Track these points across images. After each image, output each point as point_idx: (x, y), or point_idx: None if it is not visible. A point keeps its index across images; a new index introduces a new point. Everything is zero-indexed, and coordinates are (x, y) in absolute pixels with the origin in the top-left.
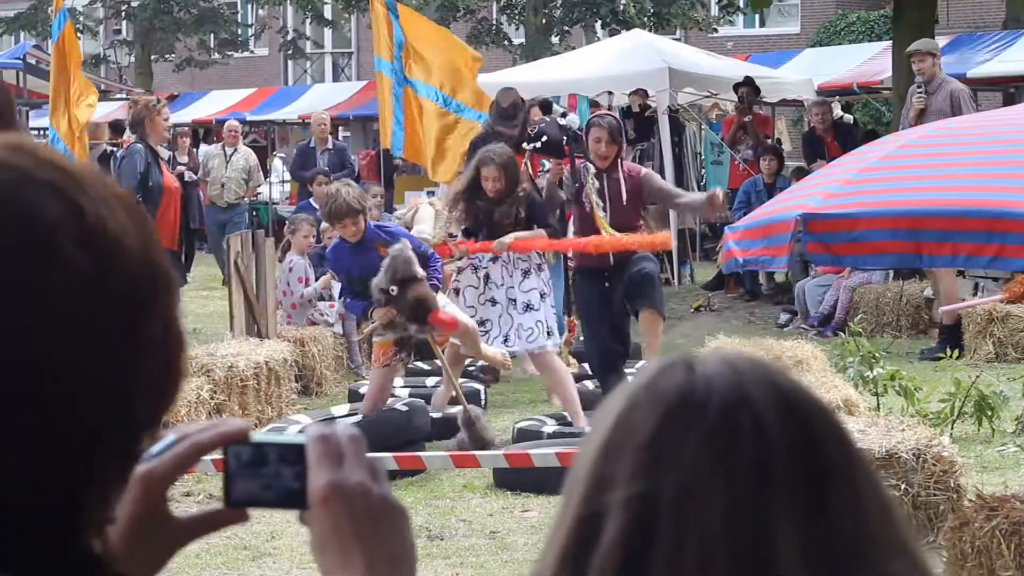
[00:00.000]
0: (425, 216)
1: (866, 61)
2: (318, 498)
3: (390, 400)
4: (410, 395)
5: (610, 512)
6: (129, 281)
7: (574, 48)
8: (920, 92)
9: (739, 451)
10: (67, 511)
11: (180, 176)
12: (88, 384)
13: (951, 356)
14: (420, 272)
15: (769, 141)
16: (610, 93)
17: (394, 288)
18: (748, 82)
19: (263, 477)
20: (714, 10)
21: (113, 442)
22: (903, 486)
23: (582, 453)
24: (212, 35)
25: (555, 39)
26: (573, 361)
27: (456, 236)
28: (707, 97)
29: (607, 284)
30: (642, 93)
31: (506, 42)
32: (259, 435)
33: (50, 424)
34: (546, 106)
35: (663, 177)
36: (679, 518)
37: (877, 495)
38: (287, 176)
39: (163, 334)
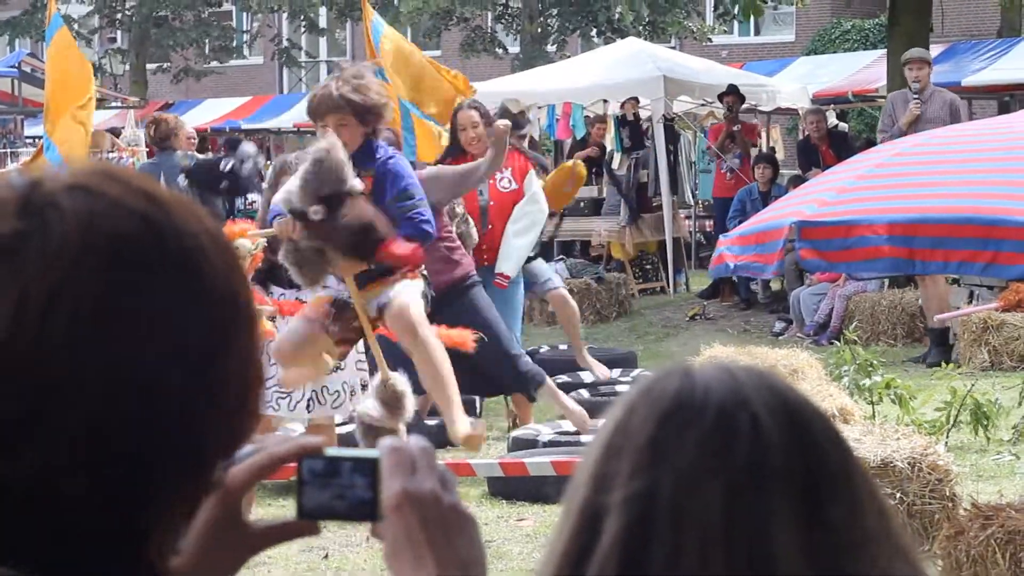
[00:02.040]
0: None
1: (861, 69)
2: (392, 505)
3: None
4: None
5: (610, 513)
6: (211, 310)
7: (570, 56)
8: (916, 99)
9: (736, 452)
10: (134, 536)
11: None
12: (167, 411)
13: (947, 365)
14: (356, 184)
15: (755, 150)
16: (605, 101)
17: (317, 209)
18: (733, 91)
19: (336, 488)
20: (710, 19)
21: (186, 470)
22: (898, 495)
23: (583, 459)
24: (206, 42)
25: (551, 47)
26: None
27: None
28: (702, 105)
29: None
30: (634, 101)
31: (500, 50)
32: (334, 450)
33: (126, 445)
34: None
35: (658, 185)
36: (677, 518)
37: (875, 500)
38: None
39: (241, 367)
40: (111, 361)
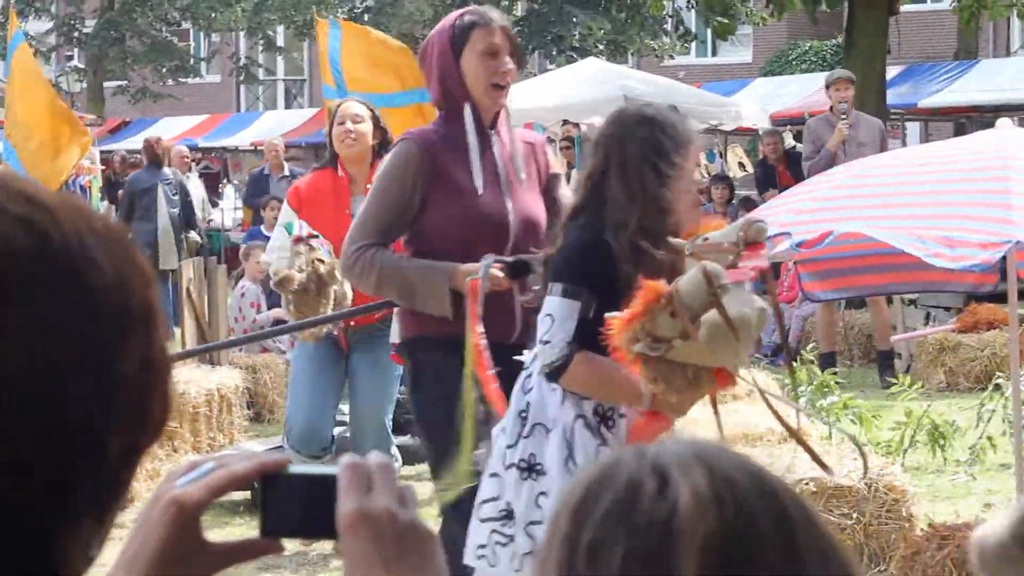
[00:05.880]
0: None
1: (817, 90)
2: (345, 524)
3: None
4: None
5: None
6: (99, 313)
7: (534, 75)
8: (844, 119)
9: (639, 516)
10: (39, 544)
11: None
12: (57, 416)
13: (902, 384)
14: None
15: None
16: (565, 122)
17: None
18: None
19: (298, 508)
20: (670, 37)
21: (85, 477)
22: (855, 515)
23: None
24: (164, 63)
25: None
26: None
27: None
28: None
29: None
30: (572, 125)
31: None
32: (295, 467)
33: (18, 456)
34: None
35: None
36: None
37: (816, 552)
38: (239, 203)
39: (140, 369)
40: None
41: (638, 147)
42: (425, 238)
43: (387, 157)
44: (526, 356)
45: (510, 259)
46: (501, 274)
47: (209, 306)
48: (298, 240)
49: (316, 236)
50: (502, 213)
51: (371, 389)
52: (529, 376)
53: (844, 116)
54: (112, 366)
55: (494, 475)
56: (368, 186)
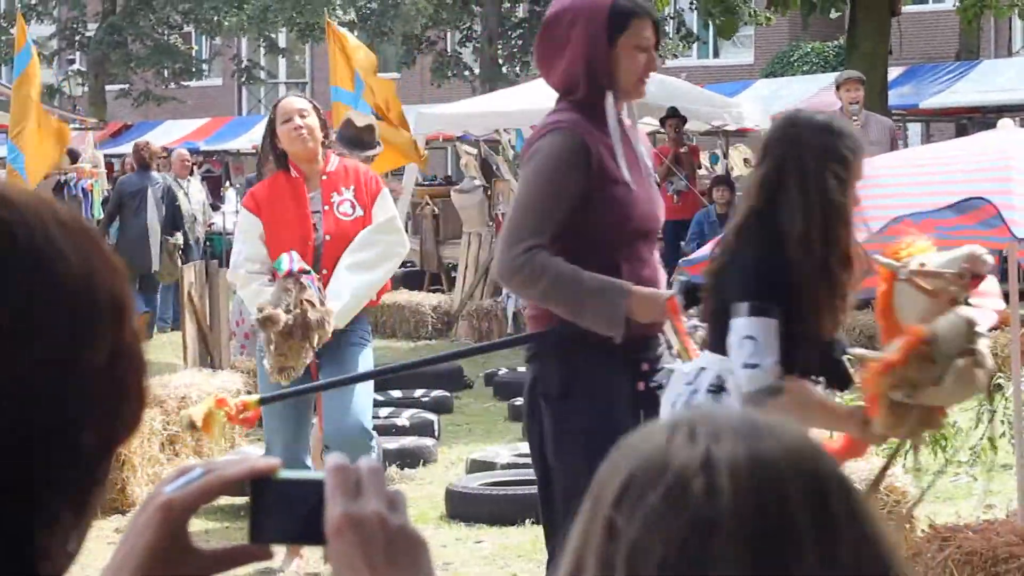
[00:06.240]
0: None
1: (819, 92)
2: (332, 529)
3: None
4: None
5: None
6: (66, 307)
7: (537, 76)
8: (856, 120)
9: (685, 514)
10: (15, 538)
11: None
12: (28, 410)
13: None
14: None
15: (701, 171)
16: None
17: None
18: (674, 113)
19: (287, 513)
20: (671, 38)
21: (61, 471)
22: None
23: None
24: (166, 66)
25: (516, 69)
26: None
27: None
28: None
29: None
30: None
31: (467, 72)
32: (286, 472)
33: None
34: None
35: None
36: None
37: (861, 553)
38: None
39: (110, 361)
40: None
41: (818, 154)
42: (580, 235)
43: (539, 146)
44: (678, 369)
45: (685, 280)
46: (681, 300)
47: (211, 310)
48: (288, 275)
49: (308, 272)
50: (654, 210)
51: (344, 394)
52: (695, 393)
53: (855, 116)
54: (81, 357)
55: None
56: (323, 178)
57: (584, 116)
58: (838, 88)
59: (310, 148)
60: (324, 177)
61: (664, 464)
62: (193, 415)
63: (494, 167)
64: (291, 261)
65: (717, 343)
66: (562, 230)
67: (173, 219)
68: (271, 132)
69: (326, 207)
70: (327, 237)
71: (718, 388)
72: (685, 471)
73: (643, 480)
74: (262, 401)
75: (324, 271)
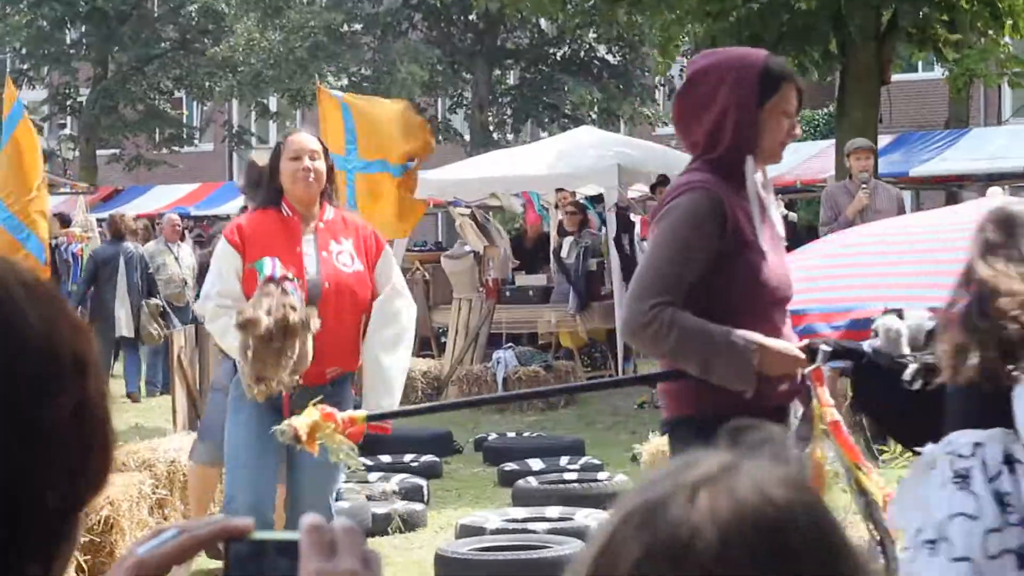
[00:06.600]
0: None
1: (809, 159)
2: None
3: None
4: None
5: None
6: (27, 365)
7: (527, 142)
8: (864, 188)
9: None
10: None
11: None
12: None
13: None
14: None
15: None
16: (559, 190)
17: None
18: (665, 181)
19: (262, 571)
20: (663, 105)
21: (24, 527)
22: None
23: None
24: (158, 131)
25: (508, 135)
26: None
27: None
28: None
29: None
30: (568, 193)
31: (458, 138)
32: (260, 532)
33: None
34: None
35: (610, 273)
36: None
37: None
38: None
39: (73, 418)
40: None
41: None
42: (712, 299)
43: (676, 204)
44: (931, 452)
45: (830, 345)
46: (828, 368)
47: (200, 374)
48: (270, 280)
49: (290, 279)
50: (787, 277)
51: (313, 465)
52: (984, 467)
53: (865, 184)
54: (43, 415)
55: (963, 559)
56: (319, 225)
57: (720, 177)
58: (848, 156)
59: (312, 194)
60: (321, 224)
61: (677, 522)
62: (298, 427)
63: (492, 231)
64: (274, 267)
65: (972, 417)
66: (694, 292)
67: (149, 287)
68: (274, 164)
69: (324, 254)
70: (326, 284)
71: (1010, 461)
72: (692, 530)
73: (653, 534)
74: (369, 418)
75: (319, 318)
